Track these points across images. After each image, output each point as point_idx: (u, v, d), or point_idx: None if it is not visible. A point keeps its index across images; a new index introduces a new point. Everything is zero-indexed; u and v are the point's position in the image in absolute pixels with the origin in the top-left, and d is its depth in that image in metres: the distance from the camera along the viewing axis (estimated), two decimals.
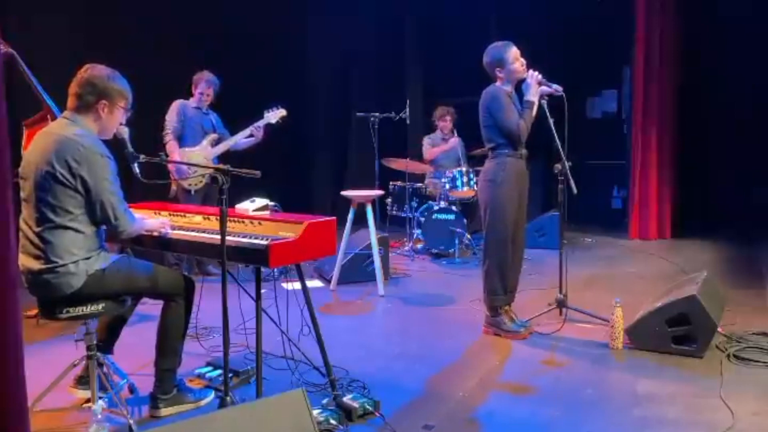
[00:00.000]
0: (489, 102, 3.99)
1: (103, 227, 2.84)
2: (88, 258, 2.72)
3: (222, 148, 5.44)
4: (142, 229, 2.96)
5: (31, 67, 4.12)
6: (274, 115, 5.41)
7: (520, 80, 4.05)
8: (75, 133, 2.71)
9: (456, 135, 7.18)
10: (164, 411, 3.00)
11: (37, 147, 2.73)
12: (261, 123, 5.39)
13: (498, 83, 4.06)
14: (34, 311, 3.32)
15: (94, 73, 2.80)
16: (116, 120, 2.87)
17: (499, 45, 4.03)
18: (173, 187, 5.38)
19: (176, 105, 5.46)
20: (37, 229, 2.68)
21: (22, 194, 2.74)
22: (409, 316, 4.71)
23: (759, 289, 5.11)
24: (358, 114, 6.68)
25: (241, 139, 5.47)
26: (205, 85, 5.47)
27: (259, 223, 3.03)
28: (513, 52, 4.00)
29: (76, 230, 2.70)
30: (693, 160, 8.03)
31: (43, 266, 2.66)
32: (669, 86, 7.34)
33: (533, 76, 4.00)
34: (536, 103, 4.00)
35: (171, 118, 5.41)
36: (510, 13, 8.02)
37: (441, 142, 7.19)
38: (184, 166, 5.27)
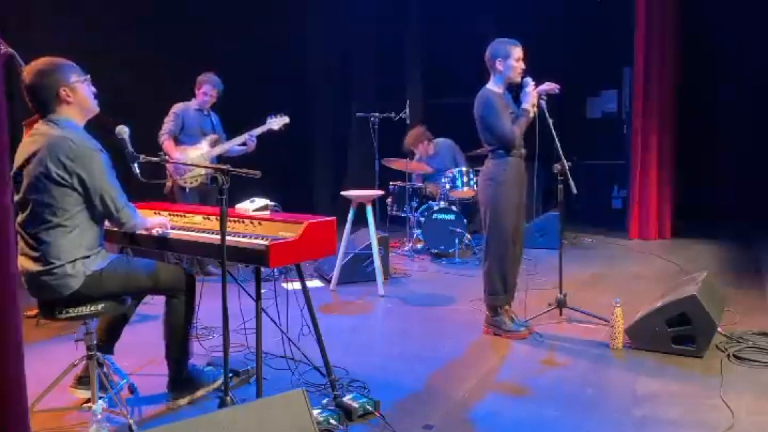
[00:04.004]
0: (483, 110, 4.00)
1: (103, 225, 2.84)
2: (86, 257, 2.72)
3: (219, 149, 5.46)
4: (144, 224, 2.95)
5: None
6: (277, 122, 5.43)
7: (512, 83, 4.06)
8: (63, 131, 2.68)
9: (439, 143, 7.17)
10: (182, 401, 3.08)
11: (26, 150, 2.70)
12: (263, 129, 5.42)
13: (490, 82, 4.06)
14: (34, 311, 3.32)
15: (35, 73, 2.72)
16: (86, 94, 2.80)
17: (506, 40, 4.04)
18: (169, 183, 5.39)
19: (177, 108, 5.48)
20: (34, 231, 2.66)
21: (16, 197, 2.71)
22: (409, 316, 4.71)
23: (759, 289, 5.11)
24: (358, 114, 6.67)
25: (235, 146, 5.50)
26: (209, 87, 5.49)
27: (259, 223, 3.03)
28: (518, 51, 4.01)
29: (75, 228, 2.69)
30: (693, 160, 8.02)
31: (42, 268, 2.66)
32: (669, 86, 7.34)
33: (531, 85, 4.01)
34: (532, 112, 4.03)
35: (169, 120, 5.43)
36: (510, 13, 8.02)
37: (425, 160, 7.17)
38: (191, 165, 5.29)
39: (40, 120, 2.77)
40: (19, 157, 2.73)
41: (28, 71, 2.75)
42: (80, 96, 2.78)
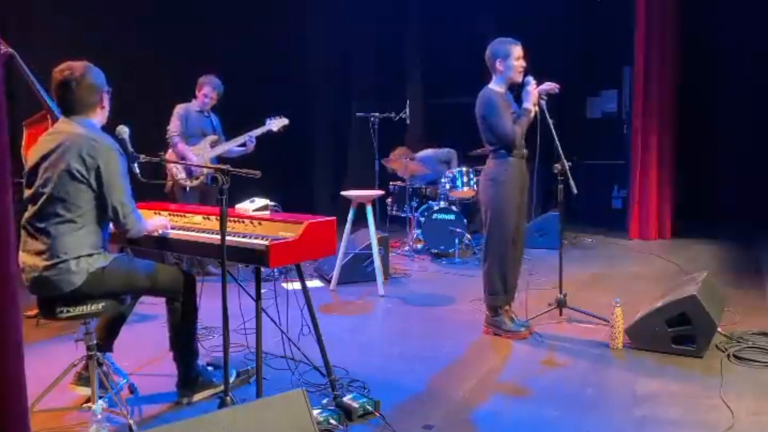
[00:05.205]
0: (485, 110, 4.00)
1: (109, 227, 2.85)
2: (90, 255, 2.73)
3: (219, 150, 5.48)
4: (146, 228, 2.96)
5: (31, 67, 4.12)
6: (276, 124, 5.45)
7: (514, 83, 4.05)
8: (85, 130, 2.74)
9: (421, 159, 7.16)
10: (196, 396, 3.13)
11: (44, 147, 2.74)
12: (262, 130, 5.45)
13: (492, 82, 4.06)
14: (34, 311, 3.32)
15: (87, 70, 2.79)
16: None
17: (506, 40, 4.04)
18: (169, 183, 5.41)
19: (179, 109, 5.48)
20: (43, 225, 2.69)
21: (28, 193, 2.75)
22: (409, 316, 4.71)
23: (759, 289, 5.11)
24: (358, 114, 6.68)
25: (234, 146, 5.51)
26: (209, 88, 5.50)
27: (259, 223, 3.03)
28: (518, 49, 4.01)
29: (84, 227, 2.71)
30: (693, 160, 8.02)
31: (47, 262, 2.67)
32: (669, 86, 7.34)
33: (533, 84, 4.01)
34: (533, 111, 4.02)
35: (174, 121, 5.43)
36: (510, 13, 8.02)
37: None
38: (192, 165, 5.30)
39: (63, 118, 2.84)
40: (35, 155, 2.77)
41: (73, 66, 2.79)
42: (107, 105, 2.90)
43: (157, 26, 6.58)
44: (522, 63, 4.02)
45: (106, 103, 2.89)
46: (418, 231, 6.74)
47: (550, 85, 4.08)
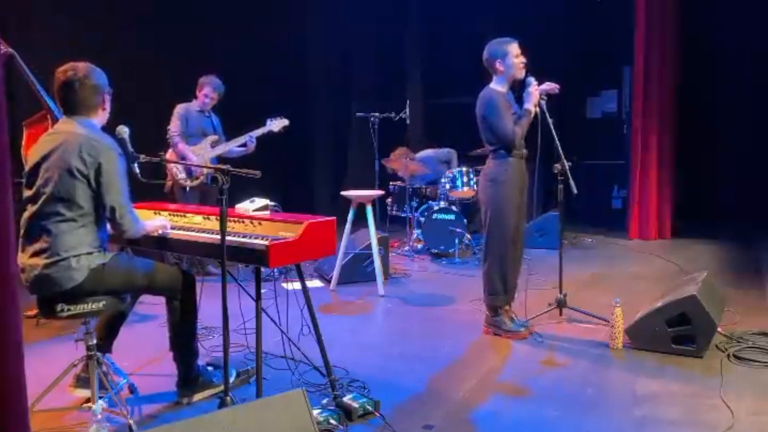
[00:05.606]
0: (485, 110, 4.00)
1: (108, 227, 2.86)
2: (90, 253, 2.74)
3: (219, 150, 5.48)
4: (144, 229, 2.96)
5: (31, 67, 4.12)
6: (277, 124, 5.46)
7: (516, 80, 4.05)
8: (85, 130, 2.75)
9: (422, 159, 7.16)
10: (196, 396, 3.13)
11: (45, 147, 2.75)
12: (263, 130, 5.45)
13: (493, 82, 4.06)
14: (34, 311, 3.32)
15: (90, 71, 2.81)
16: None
17: (502, 40, 4.05)
18: (169, 183, 5.42)
19: (180, 109, 5.49)
20: (43, 223, 2.69)
21: (28, 193, 2.76)
22: (409, 316, 4.71)
23: (759, 289, 5.11)
24: (358, 114, 6.68)
25: (235, 146, 5.52)
26: (210, 89, 5.51)
27: (259, 223, 3.03)
28: (515, 47, 4.01)
29: (83, 226, 2.72)
30: (693, 160, 8.02)
31: (47, 260, 2.67)
32: (669, 86, 7.34)
33: (534, 85, 4.00)
34: (533, 112, 4.02)
35: (175, 121, 5.44)
36: (510, 13, 8.02)
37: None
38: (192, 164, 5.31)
39: (63, 118, 2.85)
40: (35, 155, 2.77)
41: (77, 67, 2.80)
42: (108, 106, 2.92)
43: (157, 26, 6.57)
44: (522, 59, 4.02)
45: (108, 104, 2.91)
46: (418, 231, 6.74)
47: (550, 86, 4.09)
